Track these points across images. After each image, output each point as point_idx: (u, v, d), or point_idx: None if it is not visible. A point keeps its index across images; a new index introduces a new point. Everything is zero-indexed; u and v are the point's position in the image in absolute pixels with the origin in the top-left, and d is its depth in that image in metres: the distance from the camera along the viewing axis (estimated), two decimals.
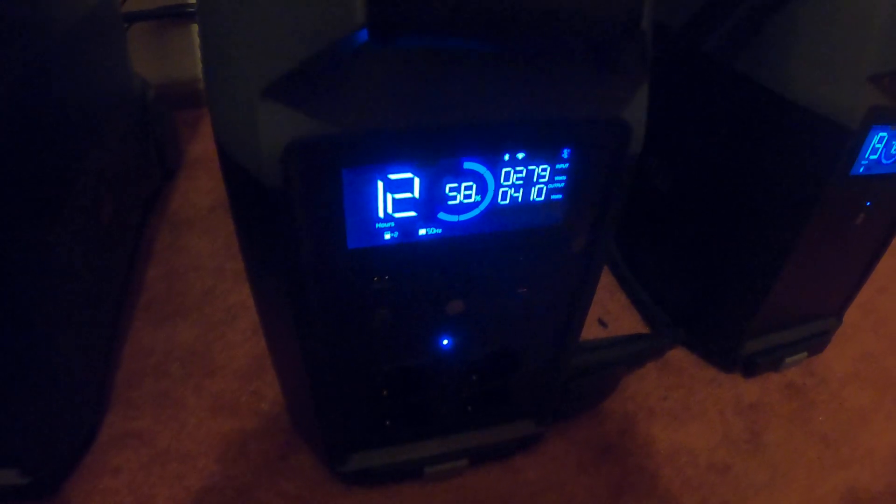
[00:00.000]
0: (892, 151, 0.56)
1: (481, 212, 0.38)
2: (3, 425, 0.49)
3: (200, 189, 0.90)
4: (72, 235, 0.53)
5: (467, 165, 0.35)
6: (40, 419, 0.51)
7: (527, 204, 0.38)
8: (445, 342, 0.46)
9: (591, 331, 0.75)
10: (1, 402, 0.48)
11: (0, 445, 0.51)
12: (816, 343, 0.74)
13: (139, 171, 0.78)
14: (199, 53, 1.04)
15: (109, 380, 0.63)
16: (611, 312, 0.78)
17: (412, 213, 0.37)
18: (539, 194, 0.38)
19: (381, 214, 0.36)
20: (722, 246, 0.65)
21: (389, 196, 0.35)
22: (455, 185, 0.36)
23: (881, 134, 0.53)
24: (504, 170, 0.36)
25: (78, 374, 0.56)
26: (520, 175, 0.37)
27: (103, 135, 0.64)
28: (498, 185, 0.37)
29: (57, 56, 0.51)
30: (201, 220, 0.84)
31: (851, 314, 0.78)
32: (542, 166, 0.37)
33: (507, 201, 0.38)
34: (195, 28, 1.02)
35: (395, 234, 0.37)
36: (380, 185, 0.35)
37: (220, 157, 0.35)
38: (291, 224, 0.35)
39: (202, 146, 0.99)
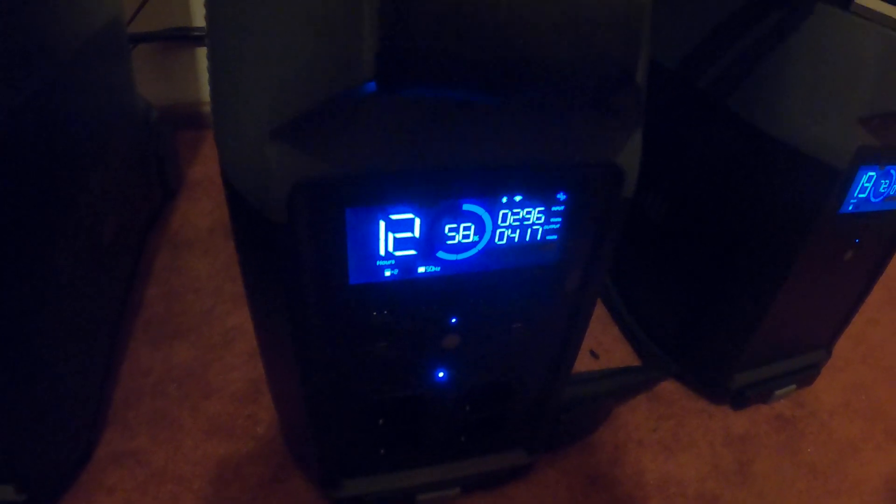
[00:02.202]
0: (881, 190, 0.57)
1: (479, 251, 0.39)
2: None
3: (201, 210, 0.91)
4: (73, 254, 0.54)
5: (466, 207, 0.37)
6: (37, 436, 0.51)
7: (523, 244, 0.39)
8: (441, 374, 0.47)
9: (583, 362, 0.75)
10: None
11: None
12: (806, 375, 0.75)
13: (141, 191, 0.79)
14: (201, 76, 1.05)
15: (107, 398, 0.64)
16: (603, 344, 0.79)
17: (412, 252, 0.38)
18: (535, 235, 0.39)
19: (382, 252, 0.37)
20: (713, 280, 0.66)
21: (391, 235, 0.36)
22: (454, 225, 0.37)
23: (869, 173, 0.54)
24: (502, 212, 0.37)
25: (76, 392, 0.56)
26: (517, 217, 0.38)
27: (107, 155, 0.65)
28: (495, 227, 0.38)
29: (63, 77, 0.52)
30: (201, 241, 0.85)
31: (841, 345, 0.79)
32: (538, 208, 0.38)
33: (505, 241, 0.39)
34: (198, 51, 1.03)
35: (396, 272, 0.38)
36: (382, 224, 0.36)
37: (227, 192, 0.36)
38: (295, 259, 0.36)
39: (203, 167, 1.00)
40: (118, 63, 0.71)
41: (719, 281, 0.66)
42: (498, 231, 0.38)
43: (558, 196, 0.38)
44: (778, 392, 0.72)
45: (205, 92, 1.06)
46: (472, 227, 0.37)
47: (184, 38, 0.99)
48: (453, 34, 0.27)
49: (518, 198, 0.37)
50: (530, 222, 0.38)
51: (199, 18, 0.99)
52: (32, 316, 0.48)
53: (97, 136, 0.62)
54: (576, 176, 0.37)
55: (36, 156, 0.47)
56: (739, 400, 0.72)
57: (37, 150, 0.47)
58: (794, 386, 0.74)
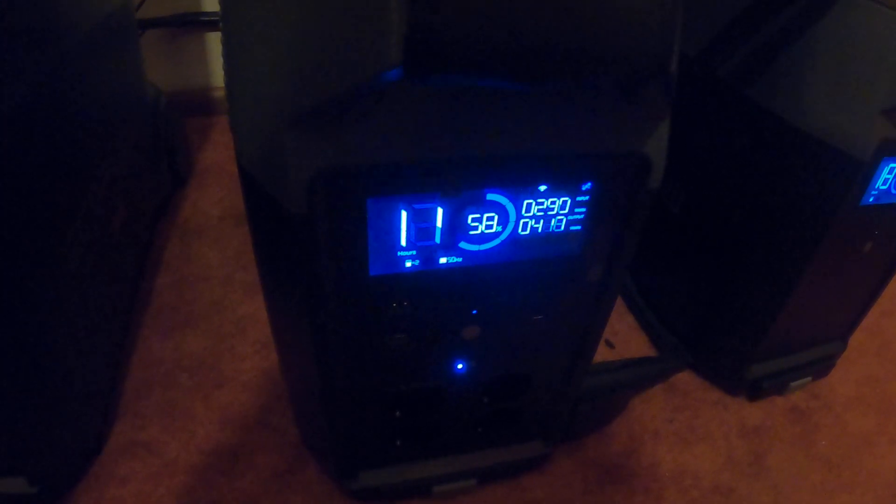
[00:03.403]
0: None
1: (502, 242, 0.38)
2: (10, 434, 0.49)
3: (211, 198, 0.90)
4: (83, 243, 0.54)
5: (490, 196, 0.36)
6: (48, 428, 0.51)
7: (546, 235, 0.39)
8: (460, 366, 0.47)
9: (598, 352, 0.74)
10: (9, 410, 0.48)
11: (8, 454, 0.51)
12: (821, 367, 0.75)
13: (150, 179, 0.78)
14: (211, 61, 1.04)
15: (118, 389, 0.64)
16: (619, 333, 0.78)
17: (434, 242, 0.37)
18: (559, 226, 0.38)
19: (403, 243, 0.37)
20: (731, 270, 0.66)
21: (412, 225, 0.36)
22: (477, 215, 0.36)
23: (891, 165, 0.54)
24: (526, 201, 0.37)
25: (86, 382, 0.56)
26: (541, 207, 0.37)
27: (116, 143, 0.64)
28: (519, 217, 0.37)
29: (71, 63, 0.52)
30: (211, 229, 0.84)
31: (856, 338, 0.78)
32: (562, 198, 0.37)
33: (528, 232, 0.38)
34: (208, 36, 1.02)
35: (417, 262, 0.38)
36: (403, 214, 0.35)
37: (243, 180, 0.36)
38: (314, 250, 0.35)
39: (213, 154, 1.00)
40: (127, 49, 0.70)
41: (737, 271, 0.65)
42: (521, 221, 0.37)
43: (583, 186, 0.37)
44: (793, 384, 0.72)
45: (215, 78, 1.05)
46: (496, 218, 0.37)
47: (193, 23, 0.98)
48: (484, 20, 0.26)
49: (542, 187, 0.36)
50: (554, 212, 0.37)
51: (208, 3, 0.98)
52: (42, 307, 0.47)
53: (106, 124, 0.62)
54: (602, 166, 0.36)
55: (44, 144, 0.46)
56: (755, 391, 0.71)
57: (45, 137, 0.46)
58: (809, 378, 0.73)
